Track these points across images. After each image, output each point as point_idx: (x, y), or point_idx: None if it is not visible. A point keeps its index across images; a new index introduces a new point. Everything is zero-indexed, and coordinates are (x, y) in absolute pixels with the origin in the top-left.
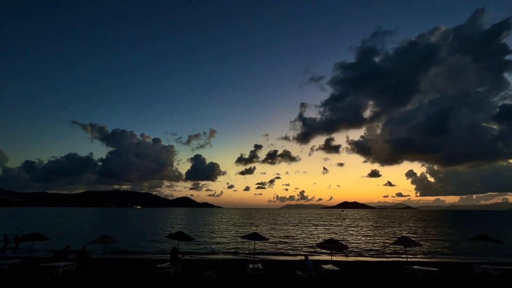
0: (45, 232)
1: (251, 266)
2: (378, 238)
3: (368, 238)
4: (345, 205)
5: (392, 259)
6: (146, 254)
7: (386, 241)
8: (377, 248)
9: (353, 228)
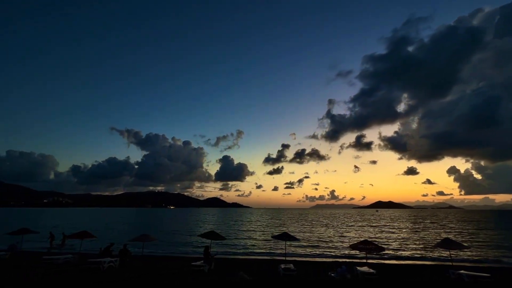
0: (91, 231)
1: (282, 266)
2: (418, 239)
3: (407, 240)
4: (379, 204)
5: (434, 262)
6: (181, 252)
7: (427, 243)
8: (418, 251)
9: (389, 229)
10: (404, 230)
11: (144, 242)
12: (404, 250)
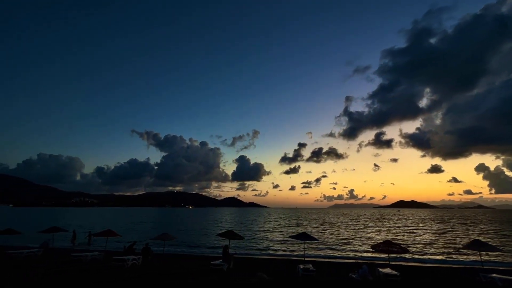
0: (115, 229)
1: (301, 266)
2: (445, 241)
3: (433, 241)
4: (401, 204)
5: (463, 265)
6: (200, 251)
7: (455, 244)
8: (444, 252)
9: (413, 229)
10: (429, 230)
11: (165, 241)
12: (429, 252)
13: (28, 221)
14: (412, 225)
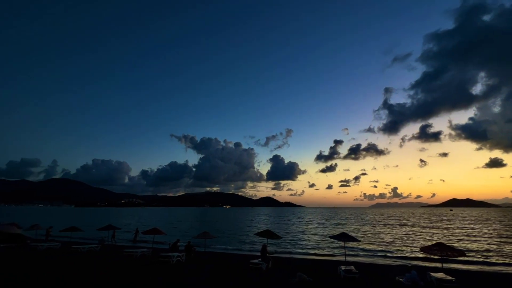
0: (160, 227)
1: (343, 268)
2: (509, 243)
3: (494, 244)
4: (454, 202)
5: None
6: (239, 249)
7: None
8: (510, 257)
9: (469, 231)
10: (489, 232)
11: (206, 239)
12: (491, 255)
13: (88, 219)
14: (469, 226)
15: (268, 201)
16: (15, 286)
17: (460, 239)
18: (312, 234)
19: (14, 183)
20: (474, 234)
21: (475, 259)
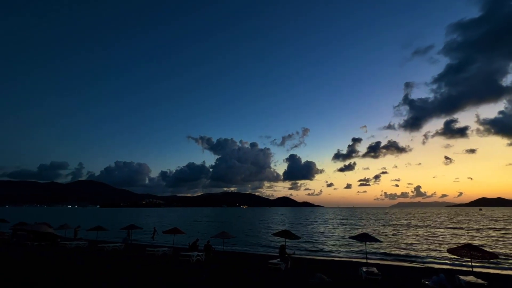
0: (179, 227)
1: (364, 269)
2: None
3: None
4: (483, 202)
5: None
6: (257, 249)
7: None
8: None
9: (501, 232)
10: None
11: (224, 239)
12: None
13: (111, 219)
14: (501, 227)
15: (286, 201)
16: (48, 281)
17: (491, 241)
18: (331, 234)
19: (45, 185)
20: (507, 236)
21: (509, 261)
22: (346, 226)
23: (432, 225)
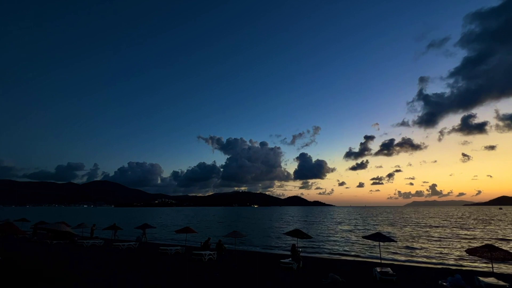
0: (191, 226)
1: (378, 269)
2: None
3: None
4: (504, 200)
5: None
6: (268, 248)
7: None
8: None
9: None
10: None
11: (235, 238)
12: None
13: (126, 218)
14: None
15: (296, 200)
16: (65, 278)
17: None
18: (344, 233)
19: (62, 185)
20: None
21: None
22: (359, 225)
23: (449, 224)
